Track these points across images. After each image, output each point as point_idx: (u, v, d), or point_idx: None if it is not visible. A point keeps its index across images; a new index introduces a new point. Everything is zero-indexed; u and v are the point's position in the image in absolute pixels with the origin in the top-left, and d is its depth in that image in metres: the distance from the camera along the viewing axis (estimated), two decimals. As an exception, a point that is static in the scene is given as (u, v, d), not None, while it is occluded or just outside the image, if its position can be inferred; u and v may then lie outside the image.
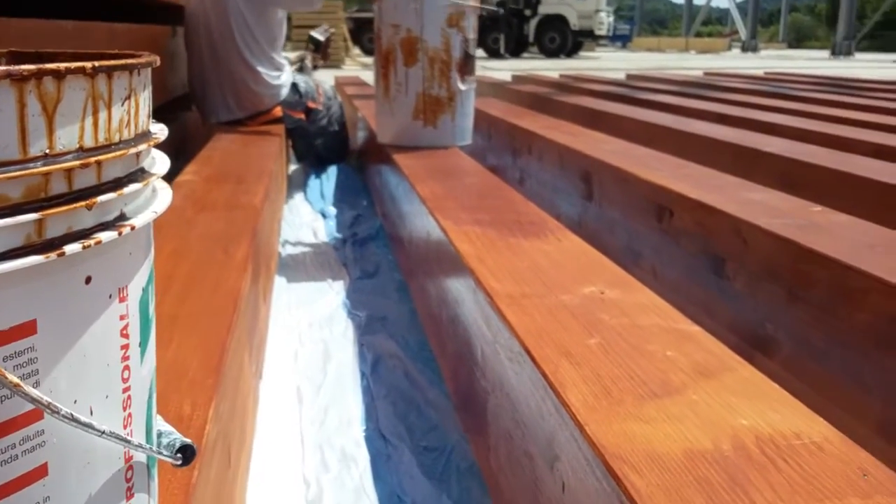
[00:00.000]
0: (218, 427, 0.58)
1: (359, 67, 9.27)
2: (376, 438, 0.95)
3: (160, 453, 0.31)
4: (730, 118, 2.34)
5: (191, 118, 2.39)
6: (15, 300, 0.23)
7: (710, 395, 0.58)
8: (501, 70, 6.95)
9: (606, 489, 0.49)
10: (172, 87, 2.18)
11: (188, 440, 0.34)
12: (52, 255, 0.23)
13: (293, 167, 2.69)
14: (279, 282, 1.52)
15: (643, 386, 0.60)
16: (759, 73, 5.46)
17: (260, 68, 2.22)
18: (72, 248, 0.23)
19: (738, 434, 0.53)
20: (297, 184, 2.46)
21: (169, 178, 0.43)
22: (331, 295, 1.47)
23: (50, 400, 0.24)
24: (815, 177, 1.54)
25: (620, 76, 5.03)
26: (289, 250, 1.76)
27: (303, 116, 2.39)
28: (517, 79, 4.82)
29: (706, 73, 5.43)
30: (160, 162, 0.30)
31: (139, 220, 0.26)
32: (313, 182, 2.41)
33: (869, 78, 4.92)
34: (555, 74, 5.05)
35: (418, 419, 1.00)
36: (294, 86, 2.35)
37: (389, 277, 1.57)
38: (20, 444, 0.25)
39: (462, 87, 1.78)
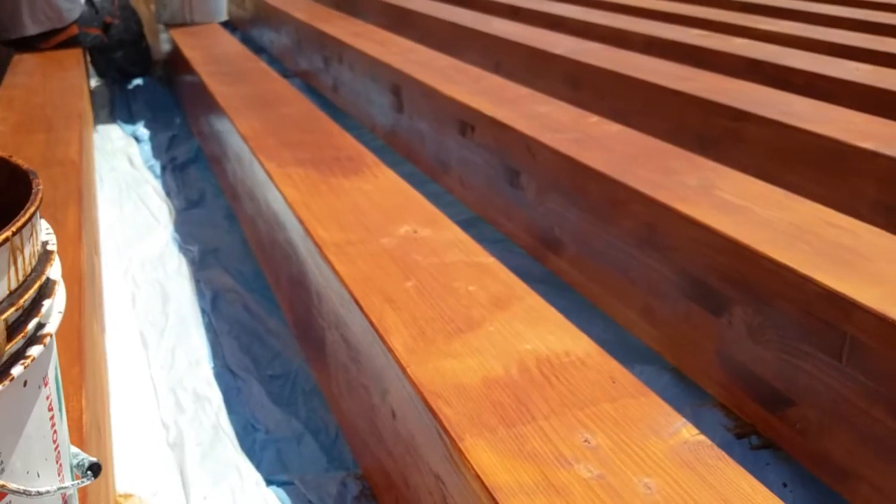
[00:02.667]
0: (90, 410, 0.66)
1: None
2: (225, 374, 1.05)
3: (82, 482, 0.40)
4: (522, 11, 2.48)
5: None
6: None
7: (503, 326, 0.73)
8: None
9: (426, 419, 0.63)
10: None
11: (94, 458, 0.43)
12: (6, 382, 0.31)
13: (94, 82, 2.58)
14: (104, 220, 1.54)
15: (451, 323, 0.73)
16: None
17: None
18: (16, 370, 0.32)
19: (524, 358, 0.68)
20: (101, 102, 2.38)
21: None
22: (158, 230, 1.51)
23: (17, 486, 0.32)
24: (595, 78, 1.72)
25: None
26: (107, 182, 1.75)
27: (100, 32, 2.29)
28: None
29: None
30: (55, 267, 0.37)
31: (53, 326, 0.35)
32: (120, 100, 2.34)
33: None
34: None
35: (262, 349, 1.11)
36: (90, 1, 2.24)
37: (216, 205, 1.62)
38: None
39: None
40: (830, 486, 0.81)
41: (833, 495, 0.81)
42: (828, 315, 0.78)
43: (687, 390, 0.99)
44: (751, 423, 0.90)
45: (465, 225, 1.50)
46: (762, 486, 0.54)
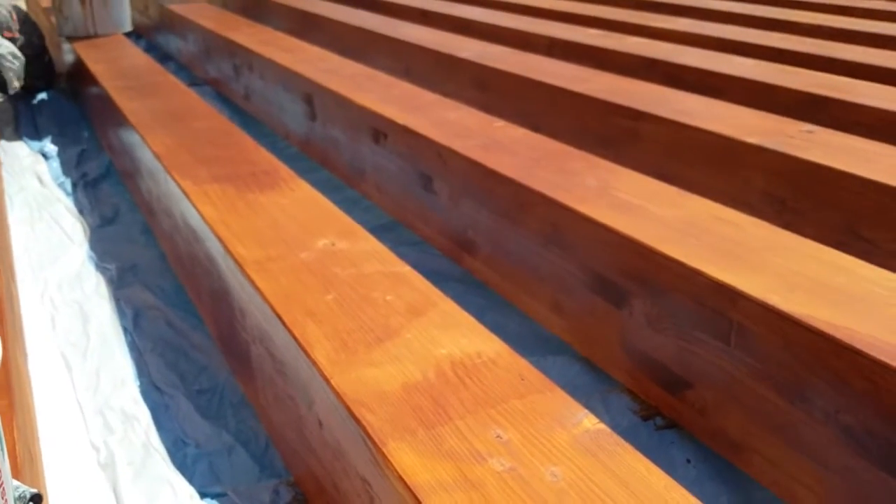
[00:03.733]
0: (22, 440, 0.68)
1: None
2: (152, 391, 1.06)
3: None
4: (431, 15, 2.53)
5: None
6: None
7: (420, 332, 0.78)
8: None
9: (350, 426, 0.67)
10: None
11: (34, 489, 0.46)
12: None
13: (-5, 98, 2.50)
14: (16, 241, 1.51)
15: (371, 333, 0.78)
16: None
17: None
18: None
19: (440, 363, 0.73)
20: (5, 119, 2.32)
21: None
22: (73, 249, 1.50)
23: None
24: (501, 81, 1.78)
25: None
26: (16, 203, 1.72)
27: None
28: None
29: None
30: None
31: None
32: (25, 116, 2.29)
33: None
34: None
35: (188, 365, 1.13)
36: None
37: (132, 220, 1.62)
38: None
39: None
40: (728, 459, 0.89)
41: (731, 467, 0.89)
42: (716, 304, 0.85)
43: (597, 378, 1.05)
44: (655, 405, 0.97)
45: (384, 229, 1.55)
46: (656, 467, 0.60)
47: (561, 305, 1.10)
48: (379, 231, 1.53)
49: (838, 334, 0.74)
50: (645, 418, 0.97)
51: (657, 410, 0.97)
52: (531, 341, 1.15)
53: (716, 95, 1.57)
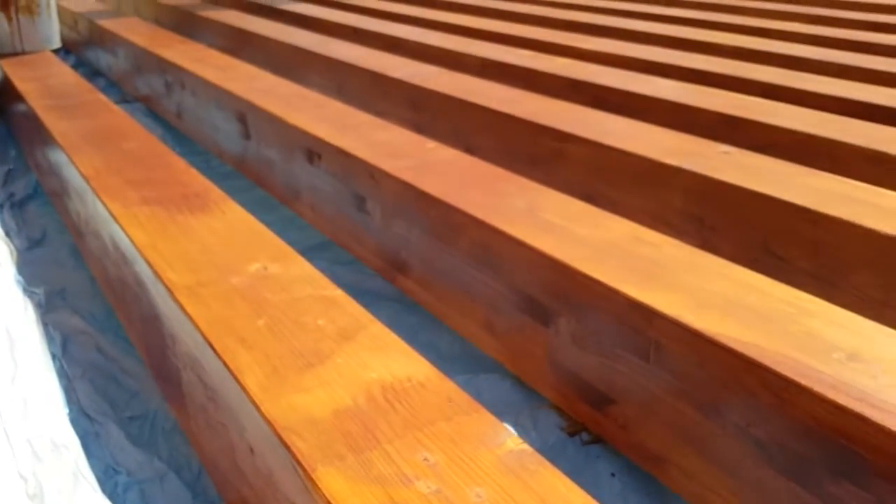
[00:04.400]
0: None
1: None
2: (82, 419, 1.05)
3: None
4: (363, 33, 2.55)
5: None
6: None
7: (350, 357, 0.79)
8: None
9: (281, 453, 0.68)
10: None
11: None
12: None
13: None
14: (-63, 266, 1.48)
15: (302, 358, 0.79)
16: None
17: None
18: None
19: (370, 387, 0.75)
20: (-76, 137, 2.25)
21: None
22: (0, 272, 1.47)
23: None
24: (433, 102, 1.81)
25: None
26: (-63, 225, 1.68)
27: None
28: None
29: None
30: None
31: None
32: (-56, 134, 2.23)
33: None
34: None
35: (118, 391, 1.12)
36: None
37: (60, 242, 1.59)
38: None
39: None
40: (650, 473, 0.93)
41: (653, 480, 0.93)
42: (635, 322, 0.89)
43: (526, 395, 1.09)
44: (581, 421, 1.01)
45: (319, 248, 1.56)
46: (576, 486, 0.63)
47: (492, 324, 1.13)
48: (314, 250, 1.55)
49: (747, 351, 0.78)
50: (571, 434, 1.00)
51: (583, 426, 1.01)
52: (464, 360, 1.17)
53: (639, 116, 1.63)
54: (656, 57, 2.13)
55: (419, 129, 1.87)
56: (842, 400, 0.71)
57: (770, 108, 1.61)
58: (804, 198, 1.16)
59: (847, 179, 1.23)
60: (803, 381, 0.74)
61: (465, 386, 1.09)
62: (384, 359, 0.79)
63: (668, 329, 0.85)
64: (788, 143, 1.46)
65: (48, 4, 2.37)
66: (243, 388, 0.74)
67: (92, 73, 2.94)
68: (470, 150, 1.73)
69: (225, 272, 0.97)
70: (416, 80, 1.89)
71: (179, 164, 1.36)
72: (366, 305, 1.31)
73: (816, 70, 2.01)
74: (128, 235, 1.07)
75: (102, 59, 2.85)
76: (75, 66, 3.06)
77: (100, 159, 1.38)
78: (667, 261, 0.98)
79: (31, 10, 2.28)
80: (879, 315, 1.08)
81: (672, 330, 0.85)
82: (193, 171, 1.33)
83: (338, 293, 0.93)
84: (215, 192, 1.24)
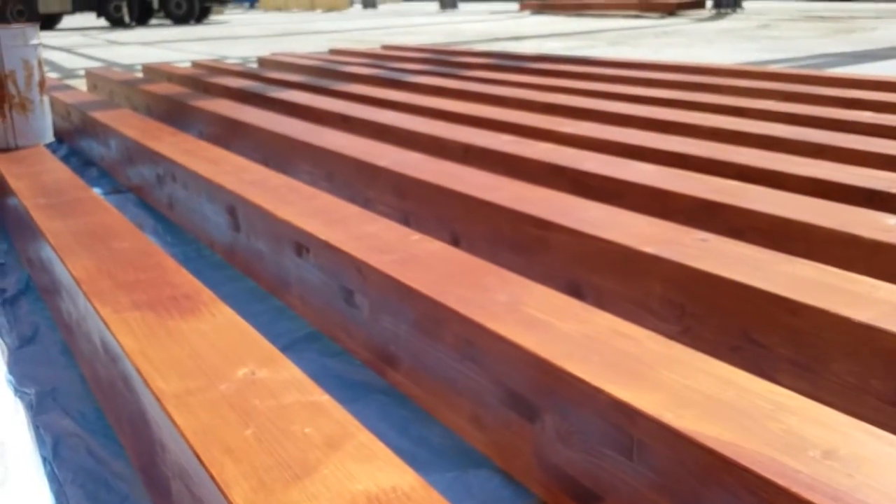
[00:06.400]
0: None
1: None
2: (72, 526, 1.06)
3: None
4: (351, 120, 2.62)
5: None
6: None
7: (336, 467, 0.81)
8: (129, 44, 6.64)
9: (268, 571, 0.69)
10: None
11: None
12: None
13: None
14: (-72, 368, 1.49)
15: (289, 470, 0.80)
16: (377, 46, 5.88)
17: None
18: None
19: (356, 499, 0.76)
20: (-83, 232, 2.28)
21: None
22: (-9, 373, 1.48)
23: None
24: (418, 189, 1.85)
25: (245, 53, 5.12)
26: (-71, 325, 1.69)
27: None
28: (148, 72, 4.70)
29: (331, 52, 5.73)
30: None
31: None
32: (-62, 229, 2.26)
33: (471, 50, 5.54)
34: (188, 61, 5.00)
35: (109, 496, 1.12)
36: None
37: (51, 340, 1.61)
38: None
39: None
40: (638, 568, 0.93)
41: (641, 576, 0.93)
42: (617, 420, 0.91)
43: (515, 491, 1.09)
44: (569, 517, 1.01)
45: (309, 339, 1.58)
46: None
47: (479, 419, 1.14)
48: (304, 342, 1.57)
49: (725, 451, 0.80)
50: (560, 530, 1.01)
51: (571, 522, 1.01)
52: (453, 454, 1.18)
53: (618, 201, 1.67)
54: (635, 140, 2.19)
55: (405, 216, 1.91)
56: (817, 500, 0.72)
57: (746, 192, 1.65)
58: (781, 286, 1.19)
59: (822, 265, 1.26)
60: (781, 482, 0.75)
61: (454, 483, 1.11)
62: (370, 469, 0.80)
63: (649, 428, 0.87)
64: (765, 228, 1.50)
65: (41, 101, 2.43)
66: (230, 503, 0.75)
67: (84, 162, 2.99)
68: (455, 237, 1.77)
69: (213, 378, 0.98)
70: (401, 168, 1.93)
71: (170, 263, 1.39)
72: (355, 398, 1.33)
73: (792, 150, 2.07)
74: (118, 342, 1.09)
75: (95, 149, 2.91)
76: (68, 156, 3.12)
77: (91, 261, 1.40)
78: (648, 356, 1.00)
79: (24, 107, 2.34)
80: (858, 401, 1.10)
81: (653, 429, 0.87)
82: (184, 272, 1.35)
83: (325, 398, 0.94)
84: (206, 293, 1.26)
